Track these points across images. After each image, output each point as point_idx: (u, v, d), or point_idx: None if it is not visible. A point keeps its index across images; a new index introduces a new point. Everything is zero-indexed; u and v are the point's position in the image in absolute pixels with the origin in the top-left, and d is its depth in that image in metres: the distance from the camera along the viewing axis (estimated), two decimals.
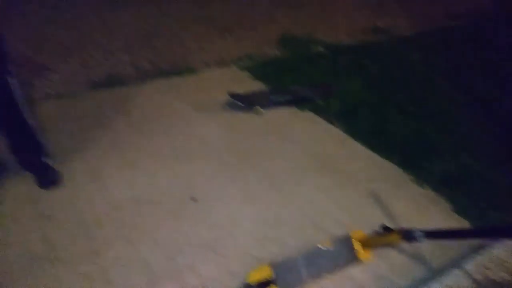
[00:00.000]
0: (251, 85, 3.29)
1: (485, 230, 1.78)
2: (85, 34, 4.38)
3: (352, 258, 1.71)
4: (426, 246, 1.79)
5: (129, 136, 2.59)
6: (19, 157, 2.11)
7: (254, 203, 2.10)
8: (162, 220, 1.97)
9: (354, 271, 1.71)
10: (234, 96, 2.97)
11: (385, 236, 1.74)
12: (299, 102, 3.02)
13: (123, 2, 5.58)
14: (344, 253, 1.72)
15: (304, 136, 2.68)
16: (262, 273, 1.62)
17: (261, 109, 2.93)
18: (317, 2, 5.95)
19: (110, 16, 4.94)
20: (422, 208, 2.10)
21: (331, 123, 2.81)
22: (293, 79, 3.41)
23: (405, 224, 1.88)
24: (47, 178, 2.11)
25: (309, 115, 2.92)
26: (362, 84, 3.34)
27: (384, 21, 5.05)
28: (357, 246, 1.72)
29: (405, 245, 1.78)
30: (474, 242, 1.84)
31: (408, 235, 1.65)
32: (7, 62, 1.84)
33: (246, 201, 2.11)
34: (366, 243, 1.74)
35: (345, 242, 1.74)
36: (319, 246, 1.74)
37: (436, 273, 1.70)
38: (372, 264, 1.73)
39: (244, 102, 2.94)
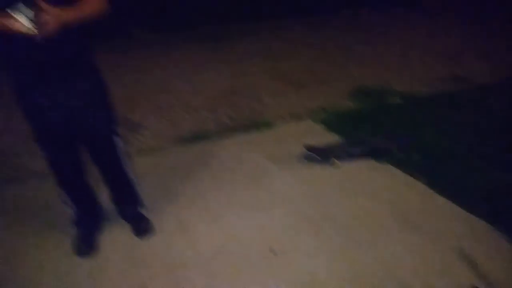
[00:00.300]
0: (326, 138, 3.35)
1: None
2: (172, 93, 4.84)
3: None
4: None
5: (212, 189, 2.76)
6: (118, 207, 2.36)
7: (333, 258, 2.09)
8: (243, 271, 2.04)
9: None
10: (310, 149, 3.05)
11: None
12: (377, 154, 3.01)
13: (206, 64, 6.11)
14: None
15: (384, 189, 2.65)
16: None
17: (338, 162, 2.96)
18: (391, 52, 5.98)
19: (194, 76, 5.42)
20: None
21: (412, 176, 2.75)
22: (369, 131, 3.42)
23: (498, 286, 1.74)
24: (142, 227, 2.32)
25: (388, 168, 2.88)
26: (444, 135, 3.24)
27: (463, 68, 4.91)
28: None
29: None
30: None
31: None
32: (114, 123, 2.12)
33: (325, 255, 2.11)
34: None
35: None
36: None
37: None
38: None
39: (320, 155, 3.00)
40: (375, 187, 2.68)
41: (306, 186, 2.74)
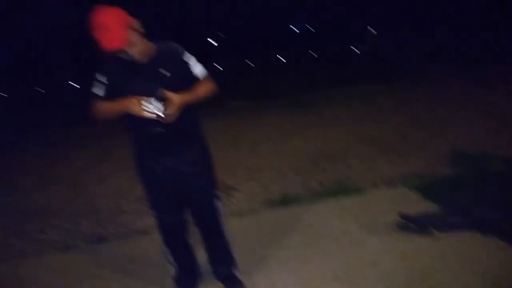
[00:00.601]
0: (422, 206, 3.18)
1: None
2: (262, 157, 5.04)
3: None
4: None
5: (302, 255, 2.74)
6: (214, 267, 2.45)
7: None
8: None
9: None
10: (405, 217, 2.91)
11: None
12: (482, 226, 2.76)
13: (294, 129, 6.32)
14: None
15: (493, 266, 2.39)
16: None
17: (437, 232, 2.78)
18: (489, 115, 5.64)
19: (283, 141, 5.63)
20: None
21: None
22: (471, 199, 3.17)
23: None
24: None
25: (495, 242, 2.62)
26: None
27: None
28: None
29: None
30: None
31: None
32: (216, 187, 2.29)
33: None
34: None
35: None
36: None
37: None
38: None
39: (417, 224, 2.85)
40: (483, 264, 2.43)
41: (404, 259, 2.58)
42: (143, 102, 1.86)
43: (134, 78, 1.97)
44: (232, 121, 7.59)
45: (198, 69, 2.09)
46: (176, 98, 1.91)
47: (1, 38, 14.70)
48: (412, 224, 2.86)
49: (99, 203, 4.07)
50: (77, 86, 17.00)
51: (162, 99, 1.88)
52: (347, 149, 4.95)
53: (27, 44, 17.16)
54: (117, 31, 1.84)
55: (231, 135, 6.28)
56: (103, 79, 2.02)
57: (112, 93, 1.99)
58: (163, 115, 1.89)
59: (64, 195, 4.41)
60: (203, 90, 2.08)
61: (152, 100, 1.87)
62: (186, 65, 2.06)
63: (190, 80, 2.06)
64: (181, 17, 20.13)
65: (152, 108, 1.86)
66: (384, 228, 2.95)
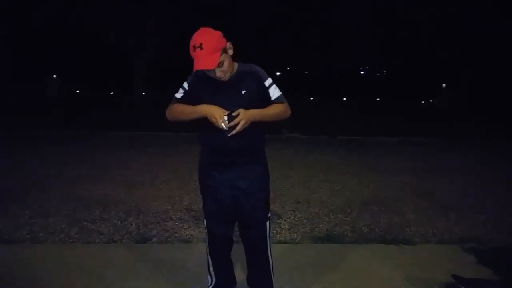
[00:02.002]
0: (478, 271, 2.94)
1: None
2: (312, 191, 4.99)
3: None
4: None
5: None
6: (251, 286, 2.40)
7: None
8: None
9: None
10: (459, 279, 2.70)
11: None
12: None
13: (349, 170, 6.21)
14: None
15: None
16: None
17: None
18: None
19: (336, 180, 5.54)
20: None
21: None
22: None
23: None
24: None
25: None
26: None
27: None
28: None
29: None
30: None
31: None
32: (269, 208, 2.30)
33: None
34: None
35: None
36: None
37: None
38: None
39: None
40: None
41: None
42: (221, 112, 1.95)
43: (212, 92, 2.06)
44: (286, 152, 7.62)
45: (274, 92, 2.13)
46: (244, 112, 1.97)
47: None
48: (463, 287, 2.65)
49: (149, 206, 4.21)
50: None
51: (232, 115, 1.95)
52: (401, 199, 4.76)
53: None
54: (211, 54, 1.94)
55: (283, 165, 6.29)
56: (186, 86, 2.15)
57: (189, 101, 2.11)
58: (227, 128, 1.95)
59: (118, 194, 4.62)
60: (273, 110, 2.11)
61: (226, 115, 1.95)
62: (263, 87, 2.11)
63: (266, 101, 2.11)
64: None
65: (223, 120, 1.94)
66: (431, 284, 2.76)
